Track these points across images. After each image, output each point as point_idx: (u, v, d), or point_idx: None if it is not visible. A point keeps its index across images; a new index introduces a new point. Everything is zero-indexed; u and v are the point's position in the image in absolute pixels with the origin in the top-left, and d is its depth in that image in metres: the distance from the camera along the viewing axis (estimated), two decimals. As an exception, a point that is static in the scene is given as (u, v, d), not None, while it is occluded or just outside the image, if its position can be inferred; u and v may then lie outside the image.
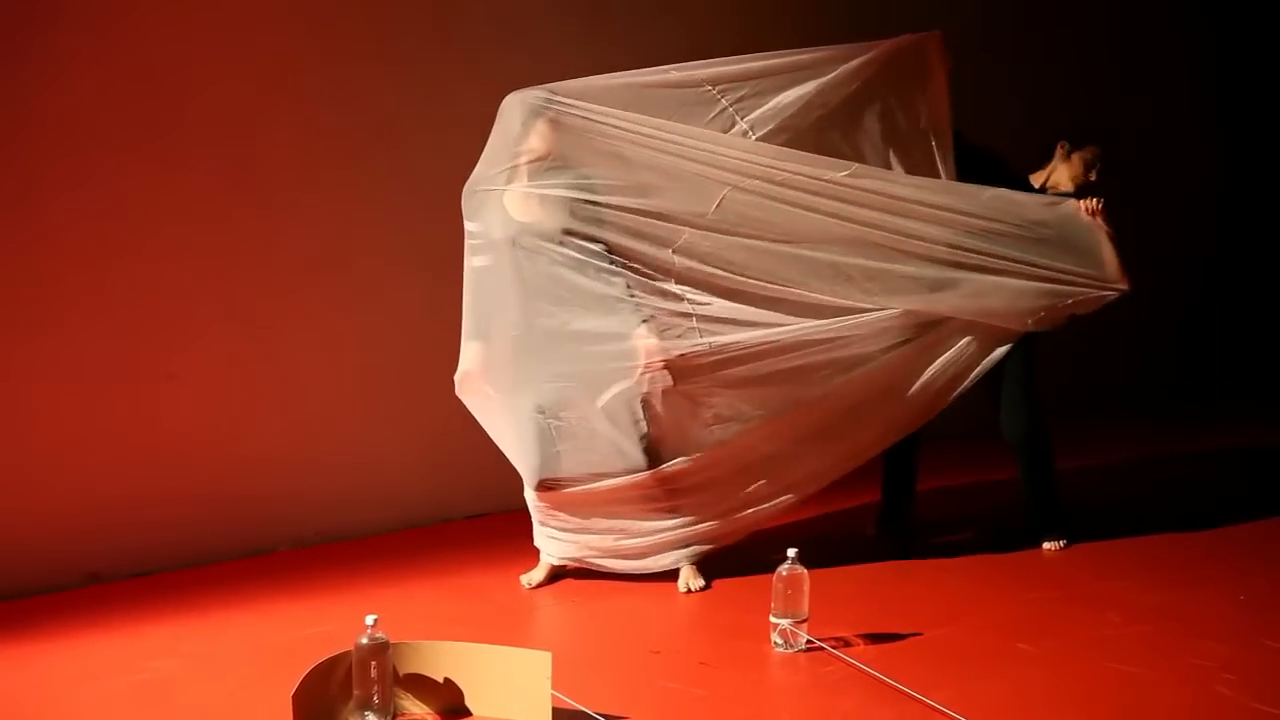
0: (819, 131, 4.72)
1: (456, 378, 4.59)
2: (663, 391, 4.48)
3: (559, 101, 4.45)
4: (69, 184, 4.64)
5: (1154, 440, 6.91)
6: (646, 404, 4.49)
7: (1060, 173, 5.07)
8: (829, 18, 5.91)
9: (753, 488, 4.76)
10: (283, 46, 5.01)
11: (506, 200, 4.48)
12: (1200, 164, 7.81)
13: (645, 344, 4.47)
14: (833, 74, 4.71)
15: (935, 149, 4.89)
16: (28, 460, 4.65)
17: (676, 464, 4.58)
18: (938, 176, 4.87)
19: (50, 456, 4.69)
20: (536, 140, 4.45)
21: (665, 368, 4.46)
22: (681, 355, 4.48)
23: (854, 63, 4.73)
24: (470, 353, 4.57)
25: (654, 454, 4.56)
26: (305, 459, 5.18)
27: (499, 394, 4.57)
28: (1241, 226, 8.17)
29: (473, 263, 4.55)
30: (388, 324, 5.27)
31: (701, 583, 4.68)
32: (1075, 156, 5.04)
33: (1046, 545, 5.10)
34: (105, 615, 4.45)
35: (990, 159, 5.00)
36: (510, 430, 4.63)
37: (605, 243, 4.49)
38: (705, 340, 4.53)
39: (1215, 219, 8.00)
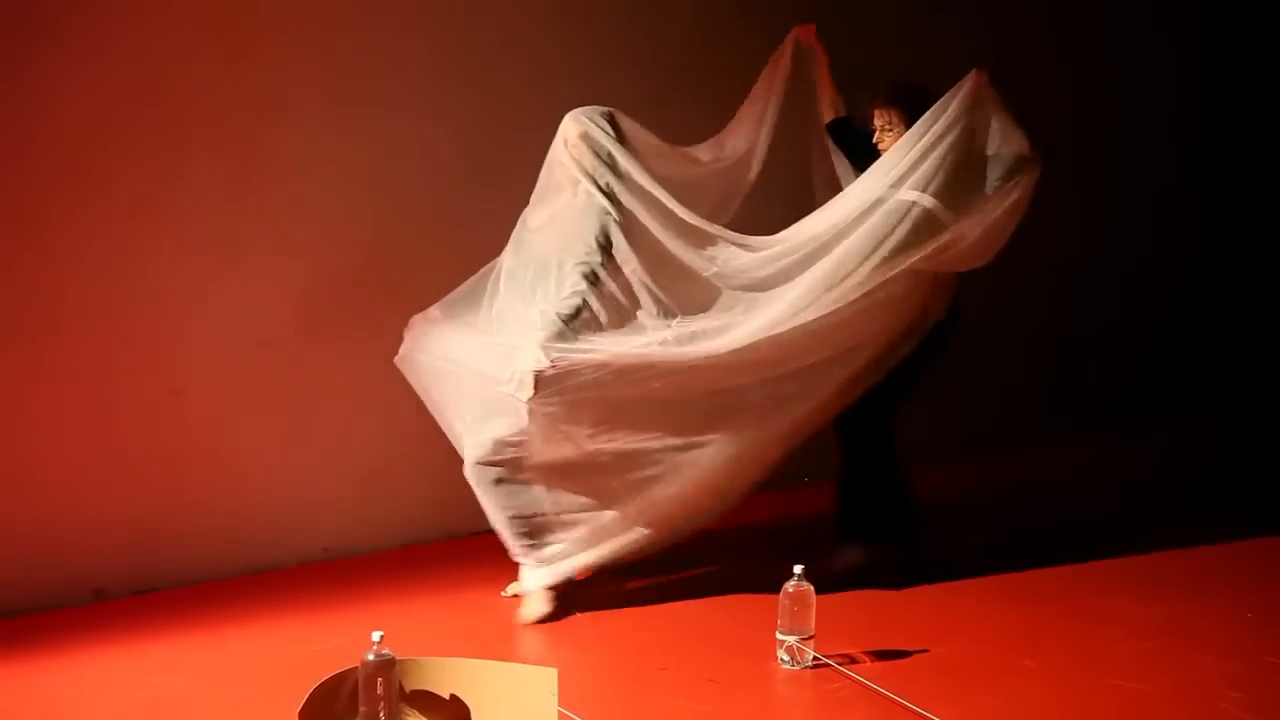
0: None
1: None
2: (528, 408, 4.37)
3: (599, 122, 4.60)
4: (70, 193, 4.63)
5: (1152, 452, 6.90)
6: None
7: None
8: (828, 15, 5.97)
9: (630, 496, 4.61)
10: (293, 53, 4.99)
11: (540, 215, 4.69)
12: (1192, 168, 7.78)
13: (526, 349, 4.36)
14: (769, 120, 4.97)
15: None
16: (32, 477, 4.65)
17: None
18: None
19: (55, 473, 4.69)
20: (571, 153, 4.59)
21: (534, 377, 4.31)
22: (554, 364, 4.30)
23: (772, 103, 4.98)
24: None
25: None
26: (310, 475, 5.17)
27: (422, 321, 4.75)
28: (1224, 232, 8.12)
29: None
30: (394, 339, 5.26)
31: (543, 611, 4.54)
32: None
33: (845, 555, 4.89)
34: (110, 632, 4.44)
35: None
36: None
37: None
38: (585, 351, 4.37)
39: (1210, 226, 7.96)
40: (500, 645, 4.31)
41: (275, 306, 5.06)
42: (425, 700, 3.61)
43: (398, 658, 3.51)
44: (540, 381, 4.32)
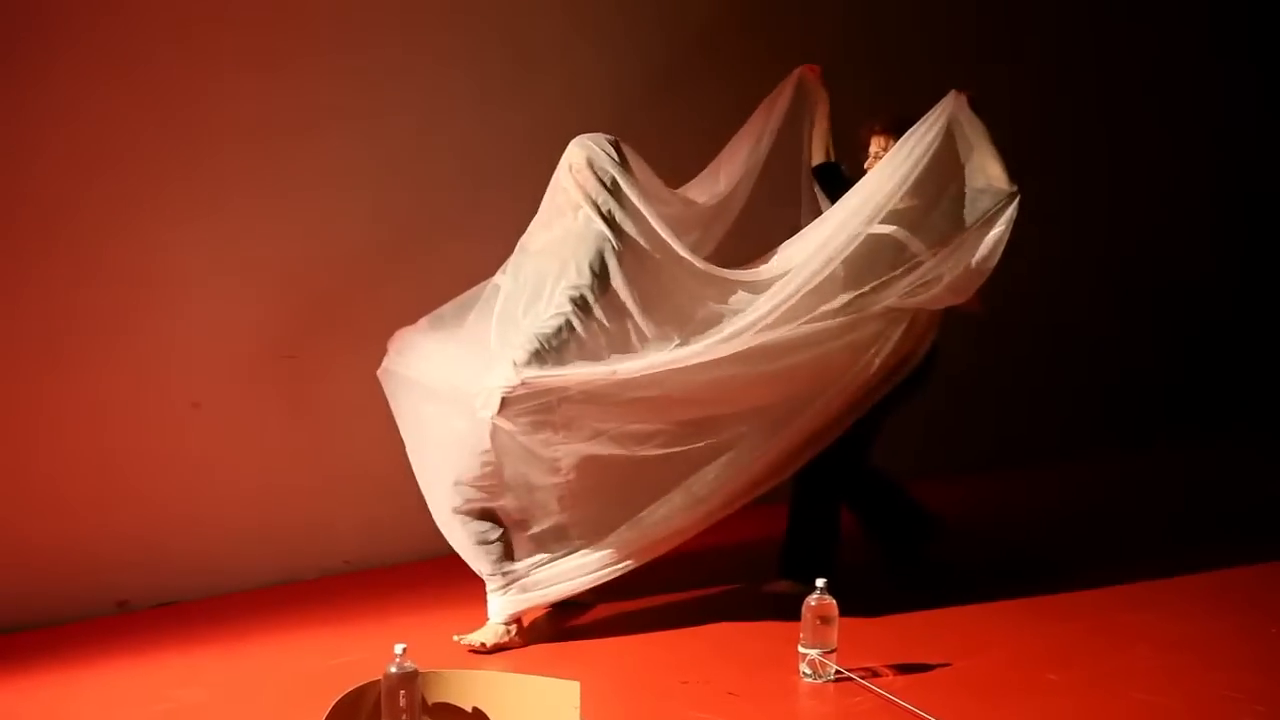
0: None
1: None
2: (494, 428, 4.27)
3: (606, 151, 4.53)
4: (91, 205, 4.66)
5: (1172, 469, 6.88)
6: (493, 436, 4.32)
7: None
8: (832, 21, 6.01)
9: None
10: (316, 61, 5.02)
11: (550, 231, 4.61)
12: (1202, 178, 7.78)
13: (500, 366, 4.27)
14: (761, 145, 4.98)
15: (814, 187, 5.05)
16: (56, 489, 4.67)
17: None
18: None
19: (78, 485, 4.71)
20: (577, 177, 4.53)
21: (502, 396, 4.20)
22: (524, 383, 4.19)
23: (765, 139, 4.97)
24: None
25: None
26: (332, 487, 5.19)
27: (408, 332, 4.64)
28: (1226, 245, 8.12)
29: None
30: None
31: (505, 639, 4.43)
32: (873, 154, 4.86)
33: (781, 585, 4.78)
34: (133, 644, 4.46)
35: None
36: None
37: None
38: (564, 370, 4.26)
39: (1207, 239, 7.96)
40: (522, 658, 4.32)
41: (296, 319, 5.08)
42: (447, 713, 3.61)
43: (420, 670, 3.52)
44: (507, 400, 4.22)
